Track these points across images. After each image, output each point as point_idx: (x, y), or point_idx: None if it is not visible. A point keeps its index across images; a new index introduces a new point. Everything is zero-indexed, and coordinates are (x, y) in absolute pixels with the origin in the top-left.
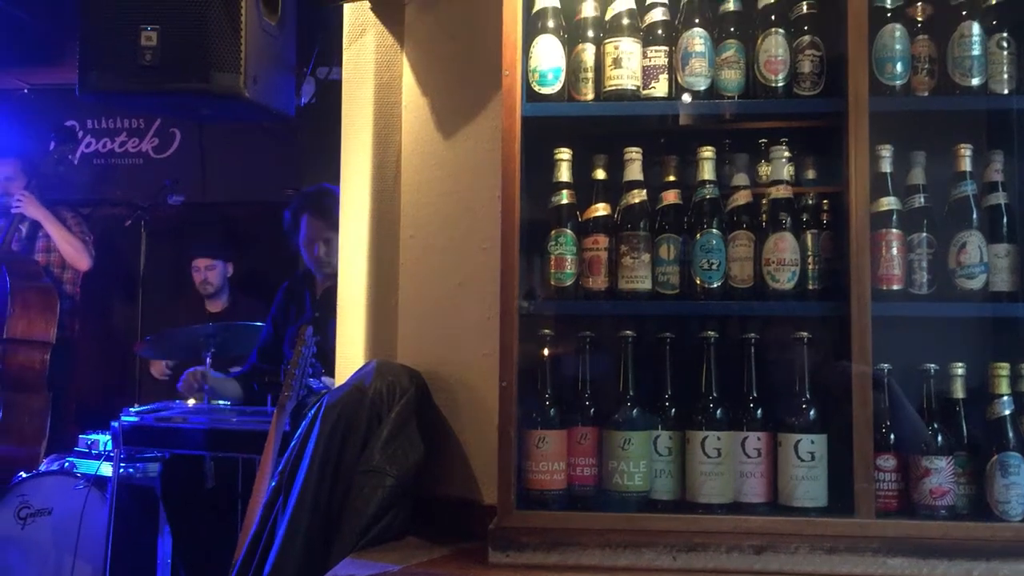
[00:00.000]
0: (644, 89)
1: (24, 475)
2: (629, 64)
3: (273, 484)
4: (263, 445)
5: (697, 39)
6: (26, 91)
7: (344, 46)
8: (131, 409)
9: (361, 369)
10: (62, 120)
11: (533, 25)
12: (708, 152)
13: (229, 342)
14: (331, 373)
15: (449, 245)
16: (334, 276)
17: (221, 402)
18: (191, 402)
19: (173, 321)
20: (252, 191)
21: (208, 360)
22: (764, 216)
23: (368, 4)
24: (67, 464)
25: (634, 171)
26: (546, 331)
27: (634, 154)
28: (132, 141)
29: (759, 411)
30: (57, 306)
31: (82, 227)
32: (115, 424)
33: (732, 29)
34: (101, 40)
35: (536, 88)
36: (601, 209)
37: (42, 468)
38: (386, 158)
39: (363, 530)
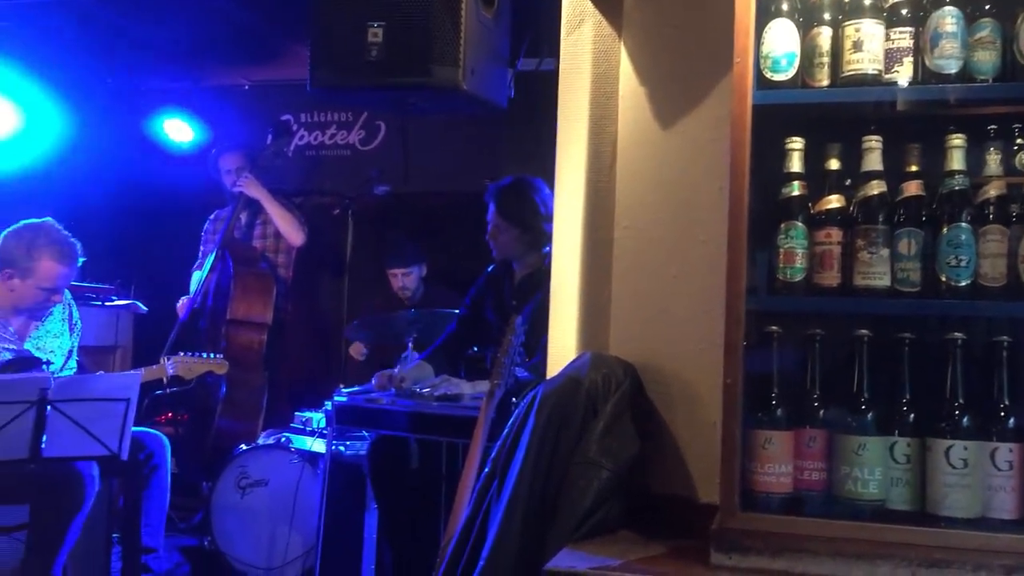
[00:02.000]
0: (886, 73)
1: (244, 447)
2: (870, 47)
3: (486, 471)
4: (464, 430)
5: (949, 19)
6: (247, 87)
7: (561, 37)
8: (343, 390)
9: (575, 360)
10: (278, 114)
11: (765, 9)
12: (958, 140)
13: (429, 328)
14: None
15: (665, 236)
16: (532, 266)
17: (426, 390)
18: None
19: (375, 307)
20: (452, 181)
21: (409, 345)
22: (1021, 209)
23: None
24: (283, 439)
25: (873, 160)
26: (773, 328)
27: (874, 143)
28: (341, 134)
29: (1011, 420)
30: (273, 290)
31: (294, 210)
32: (329, 404)
33: (987, 7)
34: (330, 37)
35: (768, 75)
36: (835, 201)
37: (260, 441)
38: (601, 148)
39: (578, 522)
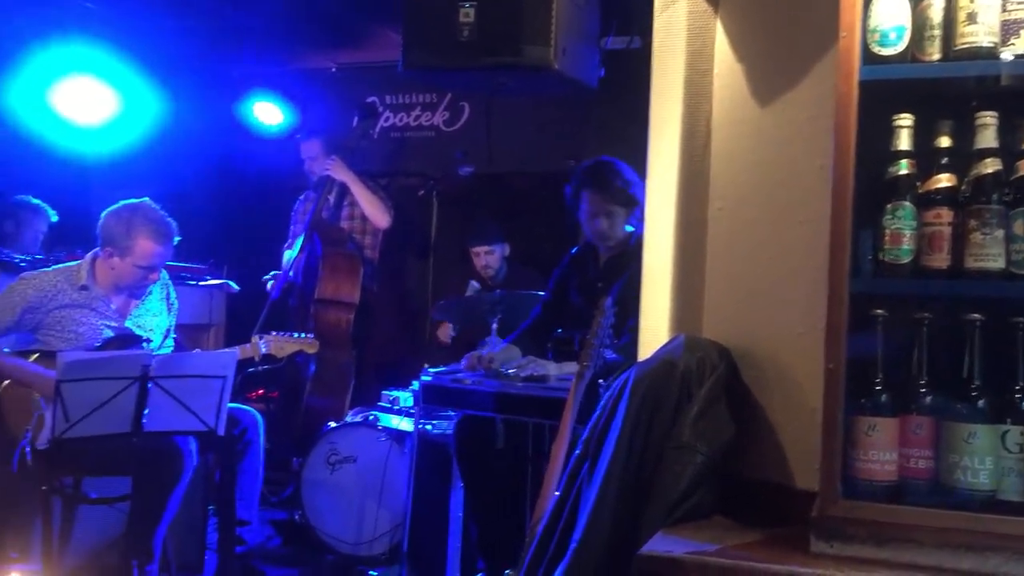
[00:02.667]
0: (1002, 46)
1: (333, 424)
2: (986, 18)
3: (577, 452)
4: (551, 411)
5: None
6: (333, 70)
7: (655, 14)
8: (429, 369)
9: (669, 343)
10: (364, 96)
11: None
12: None
13: (514, 309)
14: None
15: (762, 218)
16: (616, 247)
17: (512, 370)
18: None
19: (459, 288)
20: (535, 162)
21: (494, 327)
22: None
23: None
24: (371, 417)
25: (987, 138)
26: (878, 311)
27: (988, 119)
28: (425, 115)
29: None
30: (360, 270)
31: (380, 192)
32: (416, 383)
33: None
34: (423, 19)
35: (875, 49)
36: (945, 180)
37: (348, 419)
38: (695, 127)
39: (672, 506)
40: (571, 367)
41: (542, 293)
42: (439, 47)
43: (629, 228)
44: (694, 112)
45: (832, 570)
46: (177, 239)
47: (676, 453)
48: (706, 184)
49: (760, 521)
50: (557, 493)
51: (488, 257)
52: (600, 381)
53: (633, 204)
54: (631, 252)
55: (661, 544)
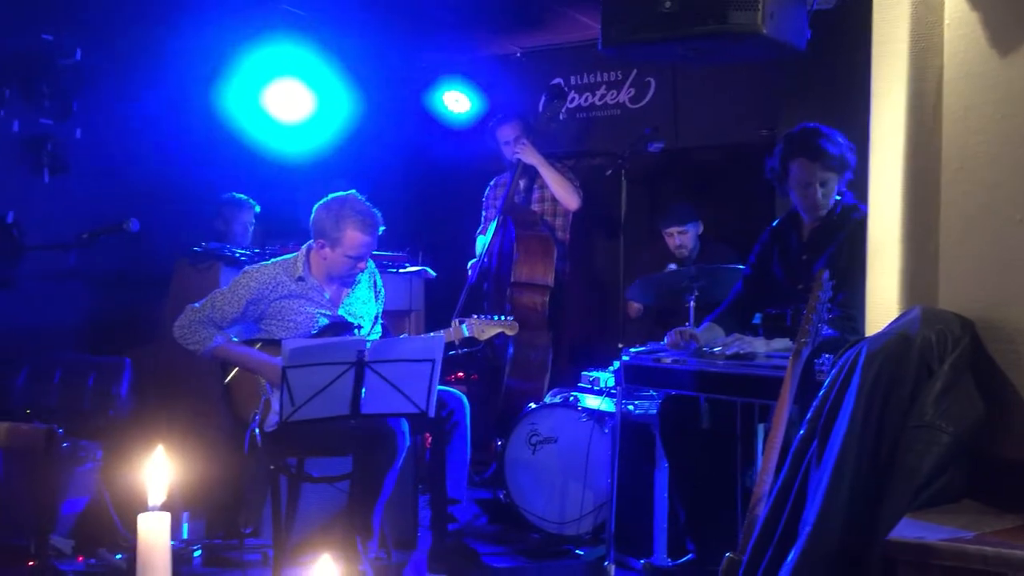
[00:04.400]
0: None
1: (533, 406)
2: None
3: (801, 433)
4: (759, 390)
5: None
6: (518, 55)
7: None
8: (630, 350)
9: (903, 316)
10: (548, 79)
11: None
12: None
13: (711, 286)
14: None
15: (1006, 178)
16: (821, 216)
17: (717, 349)
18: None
19: (650, 266)
20: (724, 135)
21: (691, 303)
22: None
23: None
24: (571, 398)
25: None
26: None
27: None
28: (611, 93)
29: None
30: (554, 252)
31: (569, 174)
32: (616, 363)
33: None
34: None
35: None
36: None
37: (547, 400)
38: (924, 84)
39: (916, 490)
40: (780, 344)
41: (740, 267)
42: (640, 21)
43: (836, 196)
44: (922, 68)
45: None
46: (382, 228)
47: (918, 433)
48: (938, 145)
49: (1016, 505)
50: (782, 475)
51: (682, 237)
52: (814, 359)
53: (845, 169)
54: (836, 222)
55: (910, 529)
